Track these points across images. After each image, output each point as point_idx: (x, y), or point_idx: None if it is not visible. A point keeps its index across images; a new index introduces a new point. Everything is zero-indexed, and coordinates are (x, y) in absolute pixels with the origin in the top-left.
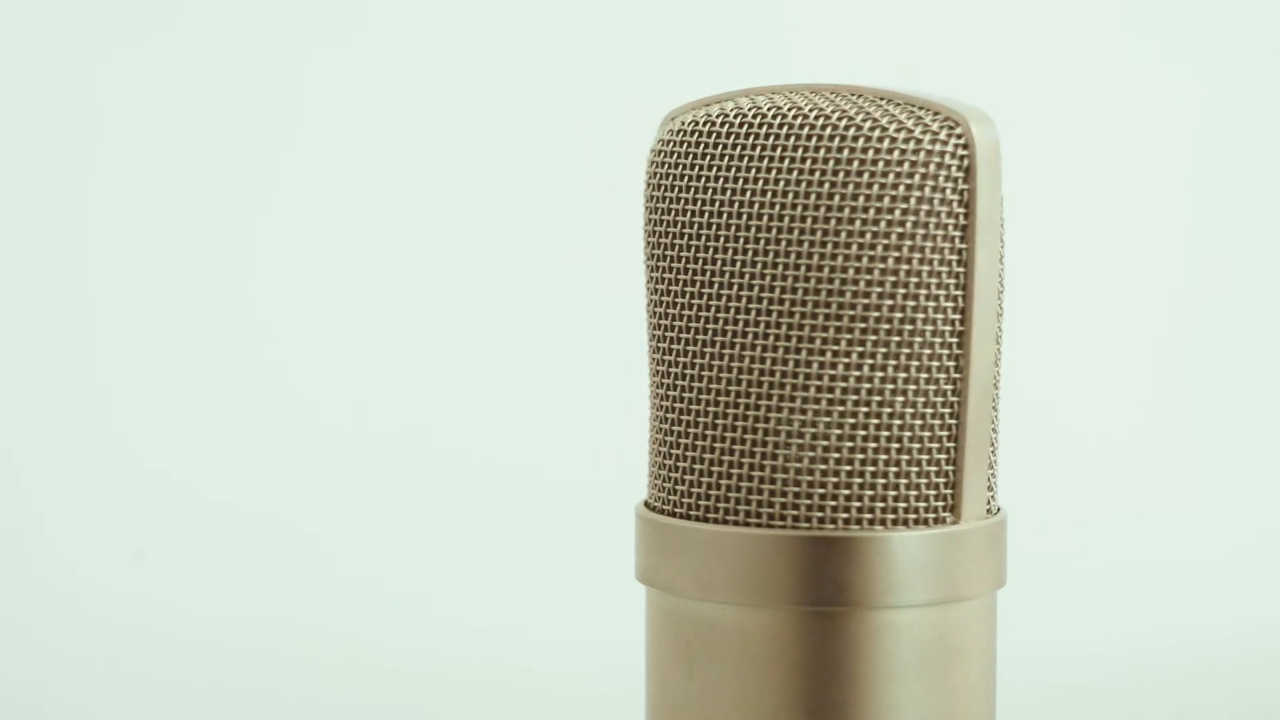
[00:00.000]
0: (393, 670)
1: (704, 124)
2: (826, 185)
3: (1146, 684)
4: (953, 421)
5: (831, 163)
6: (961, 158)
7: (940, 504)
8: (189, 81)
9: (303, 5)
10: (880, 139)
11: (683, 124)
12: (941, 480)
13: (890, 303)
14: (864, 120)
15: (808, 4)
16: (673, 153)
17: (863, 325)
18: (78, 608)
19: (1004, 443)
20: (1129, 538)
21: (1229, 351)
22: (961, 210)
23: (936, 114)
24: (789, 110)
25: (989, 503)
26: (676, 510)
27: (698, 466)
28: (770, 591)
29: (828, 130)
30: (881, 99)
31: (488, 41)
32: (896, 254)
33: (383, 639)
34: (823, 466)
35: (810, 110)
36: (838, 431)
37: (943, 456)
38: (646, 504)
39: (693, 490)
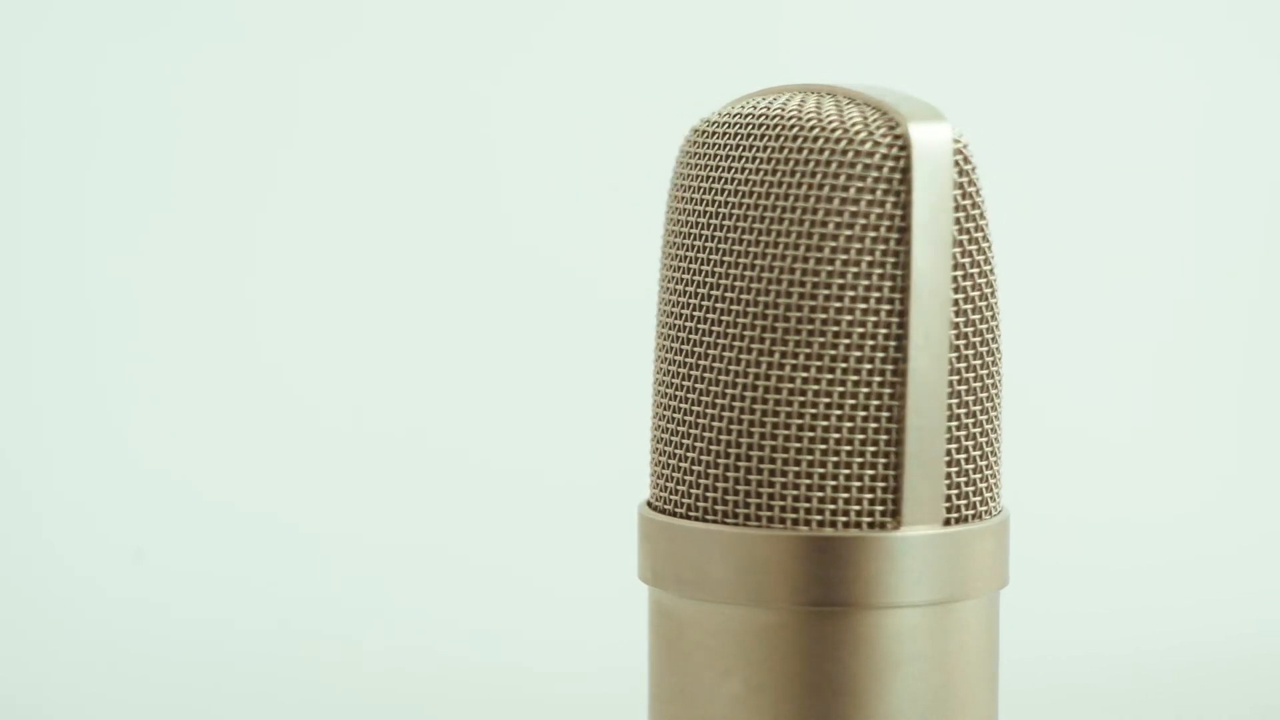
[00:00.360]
0: (393, 671)
1: (714, 124)
2: (769, 187)
3: (1147, 684)
4: (891, 427)
5: (774, 164)
6: (898, 158)
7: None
8: (190, 81)
9: (303, 5)
10: (815, 139)
11: (702, 124)
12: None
13: (815, 304)
14: (809, 121)
15: (809, 4)
16: (689, 152)
17: (797, 331)
18: (77, 608)
19: (1008, 444)
20: (1129, 538)
21: (1230, 352)
22: (897, 212)
23: (882, 113)
24: (769, 110)
25: (962, 506)
26: (678, 510)
27: (698, 467)
28: (772, 591)
29: (778, 131)
30: (850, 99)
31: (488, 42)
32: (821, 255)
33: (383, 639)
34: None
35: (781, 111)
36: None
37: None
38: (649, 503)
39: (694, 490)
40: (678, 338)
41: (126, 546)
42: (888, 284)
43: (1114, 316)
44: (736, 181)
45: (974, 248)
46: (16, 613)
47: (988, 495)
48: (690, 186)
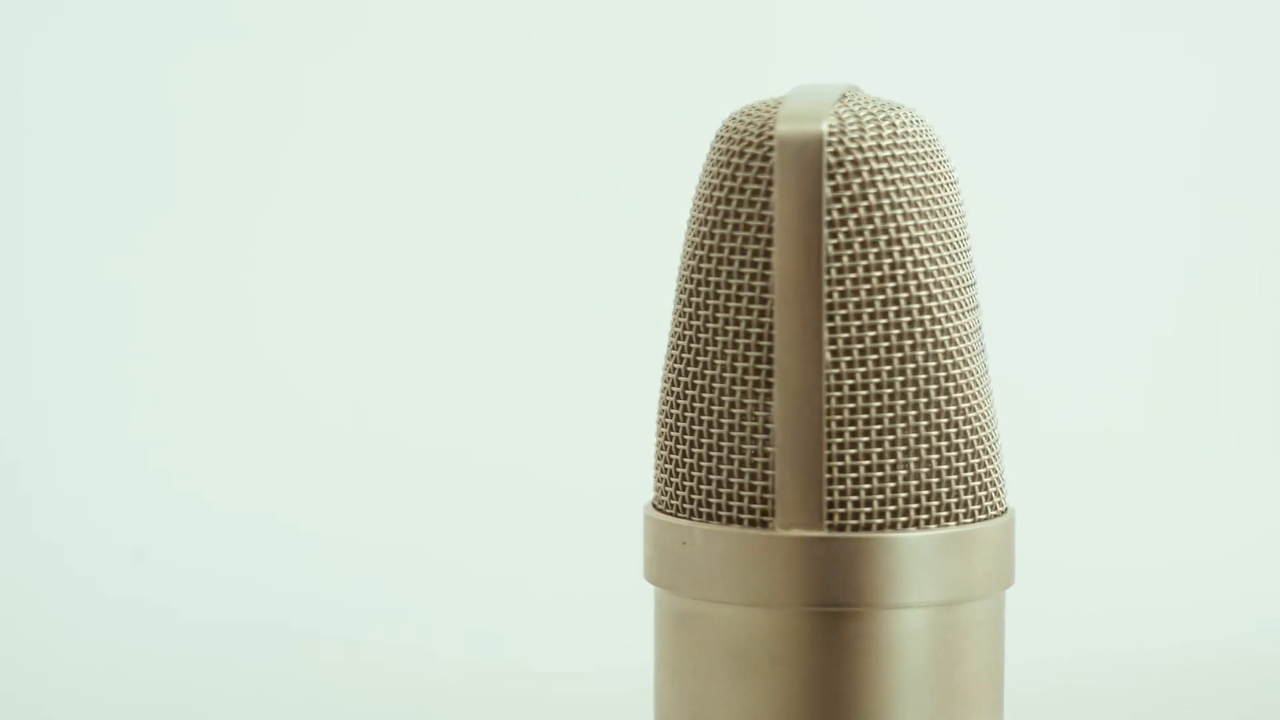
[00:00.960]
0: (395, 672)
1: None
2: (700, 186)
3: (1151, 684)
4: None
5: (708, 164)
6: (766, 158)
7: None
8: (191, 82)
9: (303, 6)
10: (722, 139)
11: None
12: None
13: (737, 307)
14: (731, 123)
15: (808, 5)
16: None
17: (699, 329)
18: (77, 607)
19: (1005, 443)
20: (1132, 538)
21: (1231, 352)
22: (768, 213)
23: (775, 110)
24: (745, 111)
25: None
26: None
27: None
28: (776, 592)
29: (720, 131)
30: (782, 100)
31: (487, 42)
32: (715, 256)
33: (384, 640)
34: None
35: (743, 112)
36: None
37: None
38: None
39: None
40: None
41: (126, 546)
42: (760, 284)
43: (1115, 316)
44: (711, 186)
45: (867, 248)
46: (16, 613)
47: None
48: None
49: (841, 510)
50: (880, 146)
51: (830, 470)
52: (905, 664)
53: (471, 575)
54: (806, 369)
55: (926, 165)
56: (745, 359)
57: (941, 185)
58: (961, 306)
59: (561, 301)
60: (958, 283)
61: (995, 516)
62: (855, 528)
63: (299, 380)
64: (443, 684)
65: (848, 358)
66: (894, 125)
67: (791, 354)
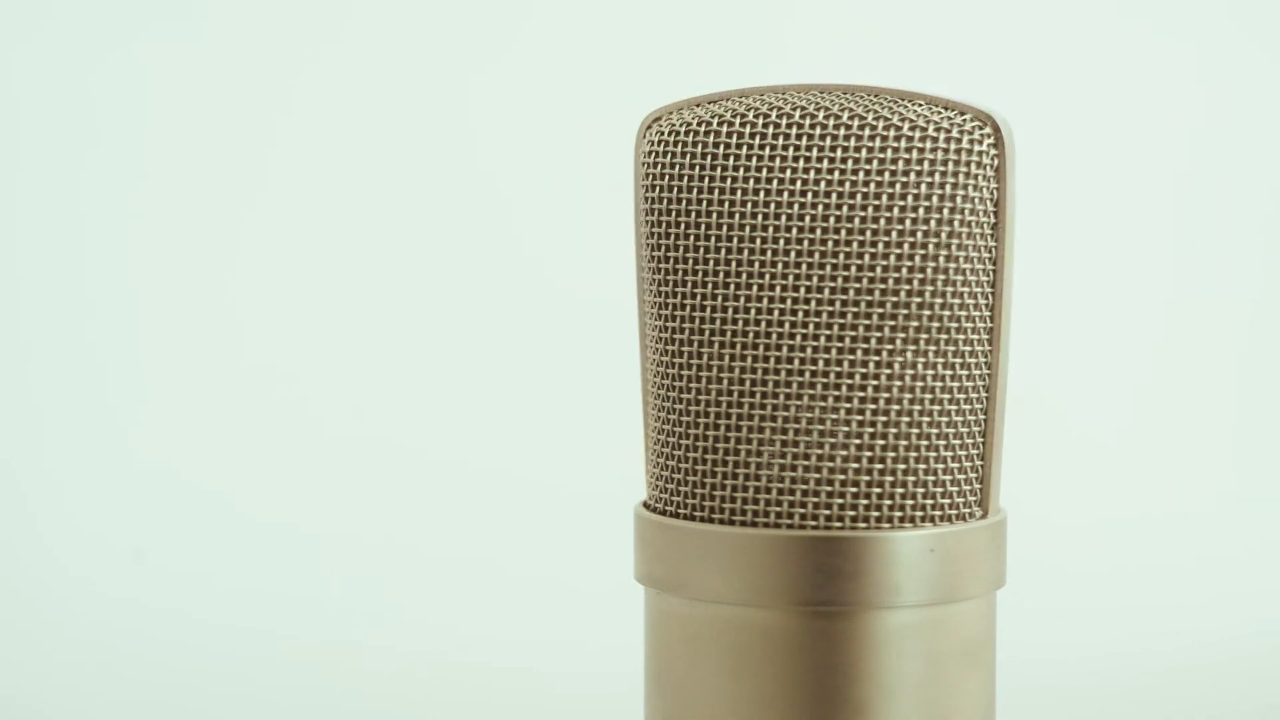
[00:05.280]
0: (391, 673)
1: (713, 123)
2: (864, 183)
3: (1144, 684)
4: (984, 418)
5: (873, 161)
6: (994, 156)
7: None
8: (190, 86)
9: (295, 7)
10: (921, 138)
11: (680, 123)
12: (947, 479)
13: (922, 300)
14: (899, 119)
15: (800, 3)
16: (675, 153)
17: (892, 323)
18: (76, 608)
19: (1005, 444)
20: (1126, 538)
21: (1230, 351)
22: (994, 209)
23: (963, 113)
24: (813, 109)
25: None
26: (675, 511)
27: (700, 467)
28: (769, 592)
29: (863, 129)
30: (902, 98)
31: (483, 41)
32: (926, 252)
33: (381, 641)
34: (823, 468)
35: (834, 109)
36: (845, 429)
37: (965, 454)
38: (645, 504)
39: (692, 491)
40: (674, 339)
41: (125, 547)
42: (986, 279)
43: (1112, 317)
44: (790, 179)
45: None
46: (15, 613)
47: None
48: (699, 186)
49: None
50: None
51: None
52: (896, 663)
53: (468, 577)
54: (1007, 363)
55: None
56: (976, 353)
57: None
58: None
59: (556, 305)
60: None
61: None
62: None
63: (299, 382)
64: (439, 685)
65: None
66: None
67: (1006, 346)
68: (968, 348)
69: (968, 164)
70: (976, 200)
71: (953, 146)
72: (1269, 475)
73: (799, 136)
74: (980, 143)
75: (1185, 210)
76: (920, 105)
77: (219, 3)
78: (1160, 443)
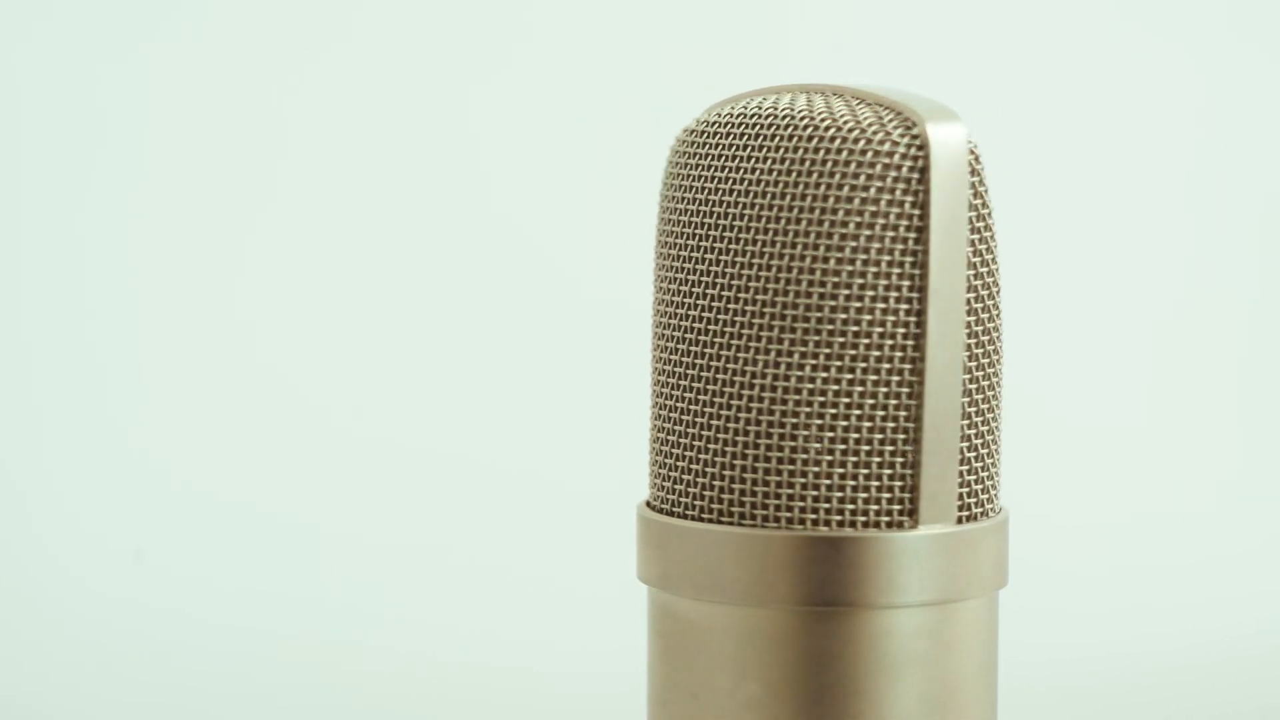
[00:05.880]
0: (392, 673)
1: (710, 124)
2: (785, 186)
3: (1143, 685)
4: (909, 425)
5: (789, 163)
6: (916, 158)
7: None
8: (192, 86)
9: (298, 10)
10: (833, 139)
11: (695, 124)
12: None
13: (835, 304)
14: (824, 121)
15: (806, 4)
16: (683, 152)
17: (814, 329)
18: (75, 608)
19: (1006, 444)
20: (1130, 539)
21: (1232, 351)
22: (916, 212)
23: (897, 113)
24: (775, 109)
25: (967, 505)
26: (677, 510)
27: (695, 466)
28: (770, 591)
29: (791, 131)
30: (859, 99)
31: (485, 41)
32: (841, 255)
33: (382, 641)
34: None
35: (790, 110)
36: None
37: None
38: (648, 503)
39: (693, 490)
40: (680, 338)
41: (125, 547)
42: (905, 283)
43: (1115, 316)
44: (746, 181)
45: (984, 246)
46: (14, 613)
47: (989, 495)
48: (689, 186)
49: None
50: (978, 148)
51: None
52: (899, 664)
53: (470, 576)
54: (950, 367)
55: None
56: (890, 358)
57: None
58: (1001, 305)
59: (559, 303)
60: (1000, 281)
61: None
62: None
63: (299, 381)
64: (441, 685)
65: (965, 353)
66: None
67: (940, 352)
68: (875, 352)
69: (873, 164)
70: (885, 203)
71: (861, 147)
72: (1271, 475)
73: (750, 138)
74: (899, 144)
75: (1188, 210)
76: (866, 107)
77: (222, 5)
78: (1162, 443)
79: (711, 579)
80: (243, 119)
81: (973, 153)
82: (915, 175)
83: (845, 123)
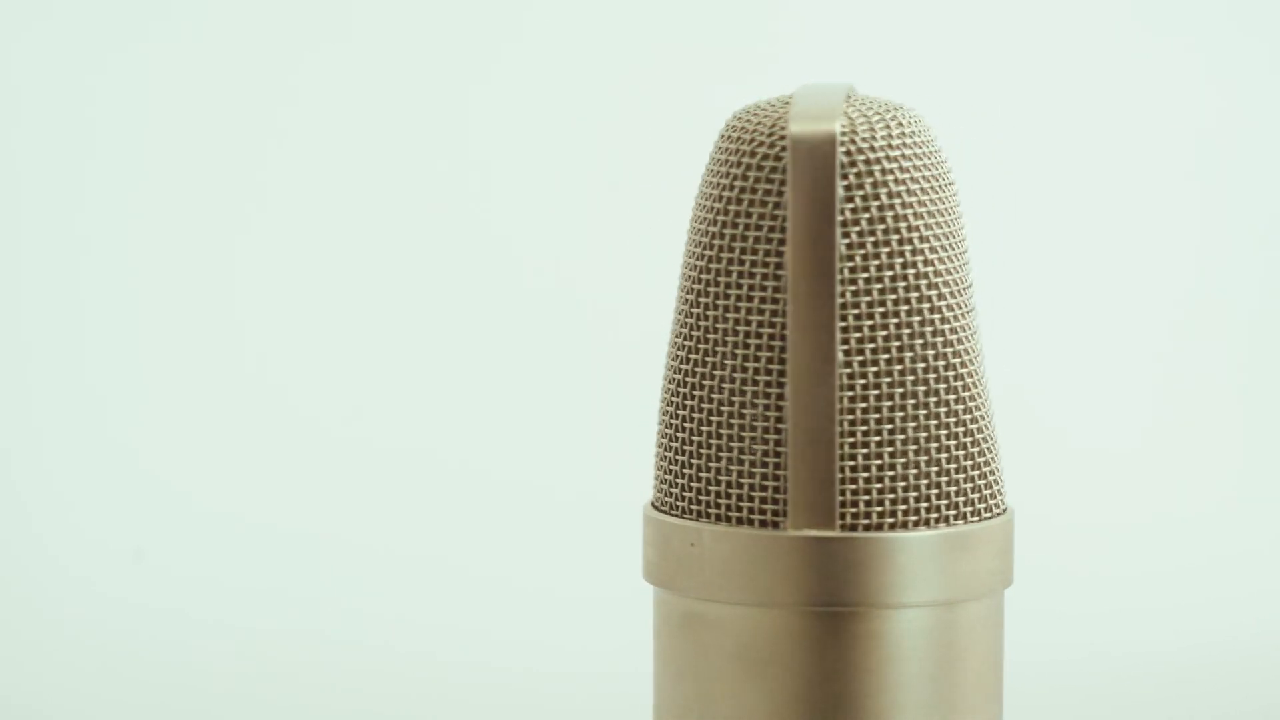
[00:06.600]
0: (396, 675)
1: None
2: (704, 185)
3: (1150, 685)
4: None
5: (711, 168)
6: (779, 159)
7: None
8: (184, 91)
9: (292, 10)
10: (729, 139)
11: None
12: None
13: (705, 304)
14: (735, 123)
15: (803, 3)
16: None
17: (691, 326)
18: (75, 609)
19: (1010, 445)
20: (1135, 540)
21: (1236, 353)
22: (780, 213)
23: (781, 114)
24: (739, 114)
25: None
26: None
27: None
28: (776, 592)
29: (722, 135)
30: (790, 101)
31: (481, 42)
32: (731, 257)
33: (385, 643)
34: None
35: (740, 113)
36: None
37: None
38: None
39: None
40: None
41: (124, 548)
42: (771, 284)
43: (1119, 317)
44: (706, 179)
45: (883, 248)
46: (14, 613)
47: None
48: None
49: (854, 510)
50: (891, 146)
51: (843, 470)
52: (906, 663)
53: (474, 578)
54: (820, 369)
55: (931, 165)
56: (756, 359)
57: (943, 186)
58: (963, 307)
59: (561, 304)
60: (961, 283)
61: (996, 516)
62: (865, 527)
63: (298, 383)
64: (445, 686)
65: (860, 357)
66: (901, 125)
67: (804, 354)
68: (744, 351)
69: (747, 169)
70: (750, 204)
71: (735, 148)
72: (1274, 476)
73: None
74: (765, 143)
75: (1192, 213)
76: (785, 106)
77: (223, 5)
78: (1170, 444)
79: (716, 579)
80: (234, 127)
81: (852, 152)
82: (779, 177)
83: (744, 125)
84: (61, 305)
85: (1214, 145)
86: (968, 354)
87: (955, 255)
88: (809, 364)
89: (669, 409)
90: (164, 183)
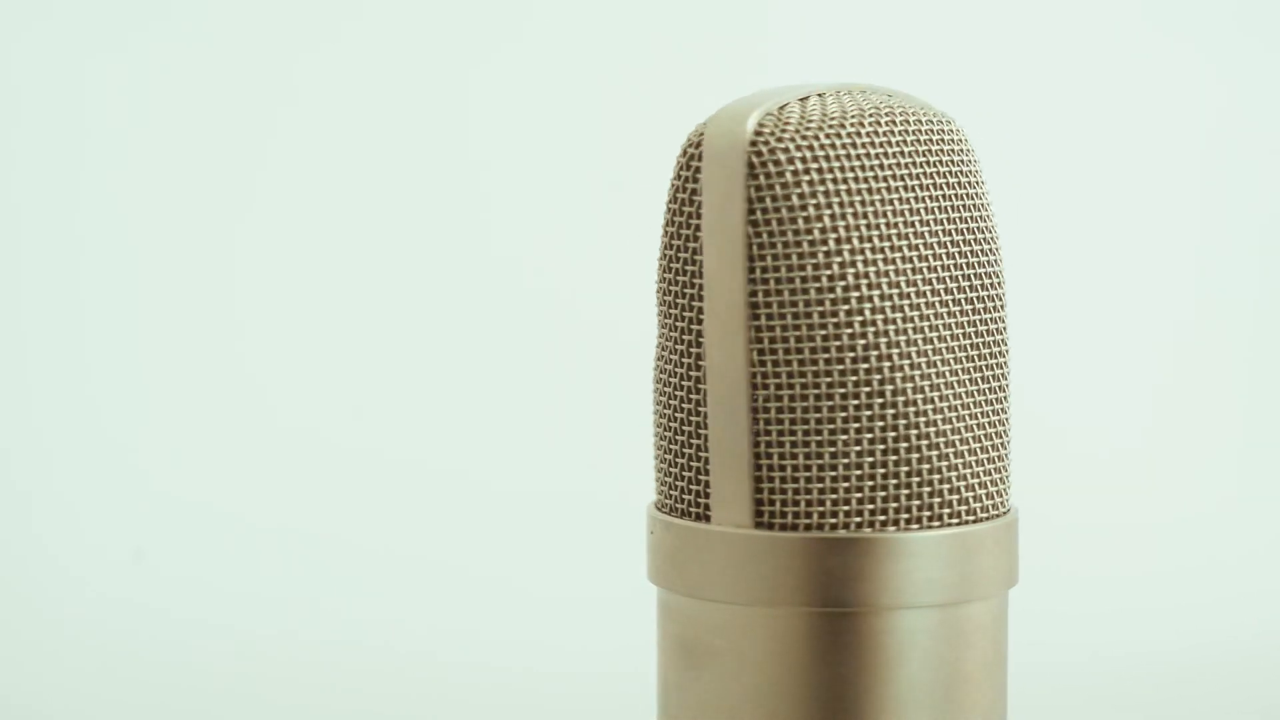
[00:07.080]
0: (398, 675)
1: None
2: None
3: (1152, 685)
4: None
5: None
6: (693, 157)
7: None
8: (183, 94)
9: (292, 9)
10: (684, 144)
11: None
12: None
13: (671, 298)
14: (697, 126)
15: (798, 4)
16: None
17: (665, 330)
18: (75, 609)
19: (1014, 446)
20: (1138, 541)
21: (1238, 356)
22: (693, 211)
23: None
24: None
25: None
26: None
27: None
28: (780, 593)
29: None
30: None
31: (477, 45)
32: (668, 256)
33: (388, 644)
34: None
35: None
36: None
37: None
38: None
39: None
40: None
41: (124, 549)
42: (684, 281)
43: (1124, 320)
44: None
45: (790, 249)
46: (14, 613)
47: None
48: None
49: (771, 509)
50: (810, 148)
51: (759, 469)
52: (908, 664)
53: (478, 580)
54: (730, 366)
55: (876, 168)
56: (687, 358)
57: (891, 190)
58: (904, 309)
59: (563, 306)
60: (903, 285)
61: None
62: (783, 527)
63: (299, 386)
64: (448, 686)
65: (773, 357)
66: (841, 126)
67: (718, 353)
68: (680, 349)
69: (678, 168)
70: (682, 204)
71: (680, 153)
72: (1274, 476)
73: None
74: (690, 147)
75: (1195, 216)
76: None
77: (219, 5)
78: (1173, 446)
79: (720, 580)
80: (246, 129)
81: (764, 154)
82: (690, 175)
83: (693, 131)
84: (61, 306)
85: (1216, 149)
86: (909, 355)
87: (896, 258)
88: (721, 364)
89: (658, 412)
90: (164, 187)
